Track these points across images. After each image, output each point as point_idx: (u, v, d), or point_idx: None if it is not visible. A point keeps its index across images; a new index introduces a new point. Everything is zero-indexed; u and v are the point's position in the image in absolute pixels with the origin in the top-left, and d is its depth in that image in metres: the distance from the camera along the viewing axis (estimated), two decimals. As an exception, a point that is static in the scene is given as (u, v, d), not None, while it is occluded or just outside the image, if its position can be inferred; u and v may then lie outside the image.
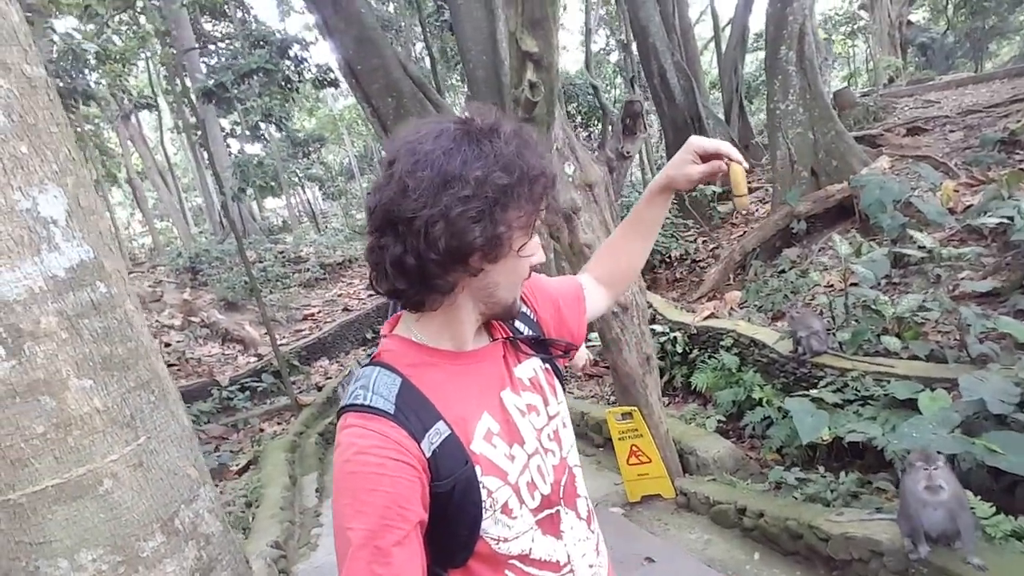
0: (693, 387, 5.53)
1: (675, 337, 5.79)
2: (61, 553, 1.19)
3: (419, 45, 18.93)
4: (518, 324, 1.16)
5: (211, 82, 9.13)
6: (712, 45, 14.45)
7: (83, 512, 1.19)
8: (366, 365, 1.02)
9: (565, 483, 1.12)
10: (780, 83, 6.94)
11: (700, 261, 7.92)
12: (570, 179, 3.75)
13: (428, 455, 0.92)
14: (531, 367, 1.14)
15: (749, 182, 9.66)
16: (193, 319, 12.77)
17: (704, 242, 8.26)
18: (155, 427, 1.30)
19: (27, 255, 1.15)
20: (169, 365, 10.95)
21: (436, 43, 15.65)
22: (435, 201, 0.88)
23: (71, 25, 11.58)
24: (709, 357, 5.52)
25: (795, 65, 6.82)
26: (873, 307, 4.45)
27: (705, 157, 1.20)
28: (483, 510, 0.98)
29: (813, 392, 4.06)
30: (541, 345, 1.16)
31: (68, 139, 1.39)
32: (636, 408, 4.08)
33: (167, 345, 11.63)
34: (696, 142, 1.21)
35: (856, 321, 4.63)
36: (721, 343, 5.41)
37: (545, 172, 0.96)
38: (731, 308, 6.34)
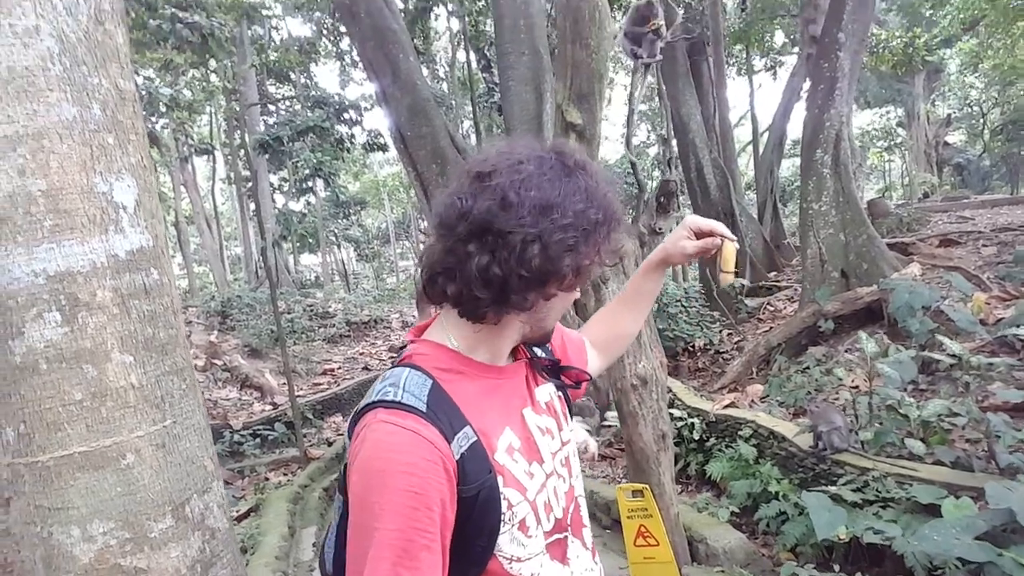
0: (708, 476, 5.39)
1: (692, 423, 5.69)
2: (75, 521, 1.22)
3: (467, 123, 19.79)
4: (536, 351, 1.19)
5: (269, 135, 9.64)
6: (751, 148, 14.84)
7: (102, 483, 1.23)
8: (394, 366, 1.03)
9: (573, 511, 1.13)
10: (814, 184, 7.08)
11: (724, 352, 7.85)
12: (601, 249, 3.84)
13: (457, 457, 0.91)
14: (547, 391, 1.17)
15: (778, 280, 9.69)
16: (216, 361, 12.91)
17: (729, 334, 8.21)
18: (182, 413, 1.35)
19: (96, 233, 1.24)
20: (186, 403, 11.06)
21: (485, 121, 16.35)
22: (536, 222, 0.91)
23: (149, 73, 12.40)
24: (726, 446, 5.40)
25: (830, 168, 6.96)
26: (898, 409, 4.36)
27: (700, 234, 1.27)
28: (502, 523, 0.97)
29: (832, 489, 3.94)
30: (554, 372, 1.20)
31: (143, 147, 1.52)
32: (647, 487, 3.99)
33: (187, 383, 11.73)
34: (692, 220, 1.29)
35: (880, 422, 4.53)
36: (739, 433, 5.31)
37: (620, 214, 1.02)
38: (752, 401, 6.24)
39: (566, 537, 1.10)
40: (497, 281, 0.93)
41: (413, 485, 0.86)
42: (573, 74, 3.40)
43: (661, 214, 3.69)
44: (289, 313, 14.62)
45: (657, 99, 13.08)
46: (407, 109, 7.89)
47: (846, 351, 6.42)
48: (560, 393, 1.20)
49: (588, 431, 6.71)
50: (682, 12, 11.11)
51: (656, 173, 16.39)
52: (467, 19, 12.08)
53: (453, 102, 17.00)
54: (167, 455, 1.29)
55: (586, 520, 1.17)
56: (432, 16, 13.61)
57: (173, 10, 7.52)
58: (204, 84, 18.72)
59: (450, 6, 13.13)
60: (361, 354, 14.45)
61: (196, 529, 1.33)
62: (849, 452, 4.27)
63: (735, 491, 4.94)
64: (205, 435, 1.42)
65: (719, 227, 1.26)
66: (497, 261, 0.92)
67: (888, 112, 20.13)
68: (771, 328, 7.75)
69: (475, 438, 0.94)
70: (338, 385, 12.15)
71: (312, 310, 15.84)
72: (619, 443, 6.14)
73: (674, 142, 11.60)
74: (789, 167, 18.24)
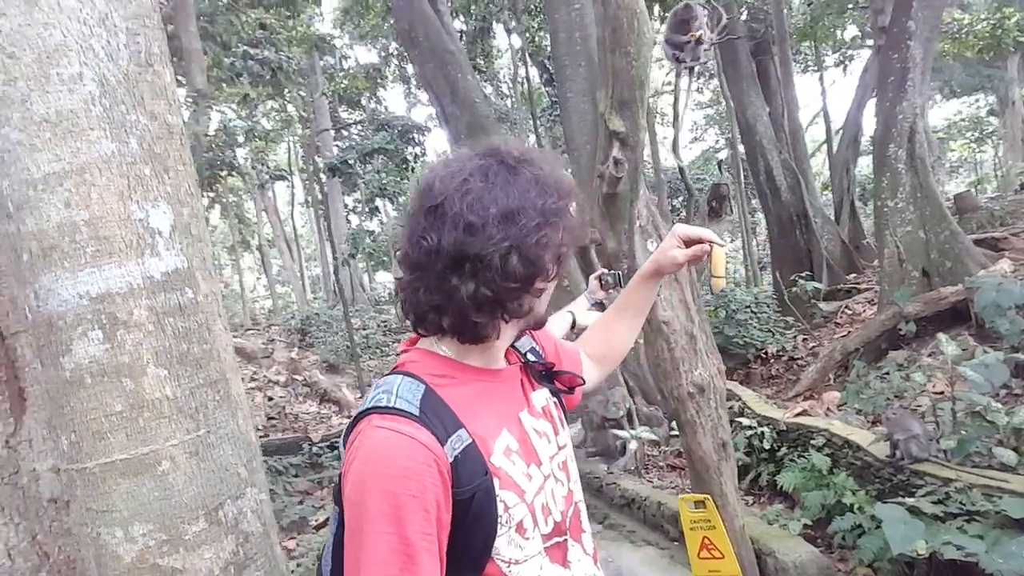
0: (779, 487, 5.18)
1: (763, 432, 5.49)
2: (118, 523, 1.32)
3: (532, 137, 20.00)
4: (530, 356, 1.21)
5: (336, 159, 10.07)
6: (825, 148, 14.27)
7: (141, 488, 1.32)
8: (387, 375, 1.04)
9: (572, 515, 1.13)
10: (888, 181, 6.73)
11: (798, 359, 7.55)
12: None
13: (451, 460, 0.92)
14: (543, 396, 1.18)
15: (857, 282, 9.24)
16: (296, 377, 13.48)
17: (804, 340, 7.89)
18: (215, 423, 1.44)
19: (133, 256, 1.35)
20: (269, 418, 11.57)
21: (548, 135, 16.45)
22: (506, 235, 0.93)
23: (227, 107, 13.17)
24: (798, 456, 5.18)
25: (905, 163, 6.61)
26: (985, 415, 4.07)
27: (689, 242, 1.27)
28: (498, 525, 0.97)
29: (910, 501, 3.72)
30: (548, 377, 1.20)
31: (190, 177, 1.63)
32: (709, 497, 3.89)
33: (270, 399, 12.28)
34: (680, 229, 1.30)
35: (964, 430, 4.24)
36: (812, 442, 5.08)
37: (573, 186, 1.03)
38: (828, 409, 5.97)
39: (566, 540, 1.10)
40: (488, 302, 0.95)
41: (409, 488, 0.87)
42: (614, 82, 3.40)
43: (713, 219, 3.62)
44: (364, 329, 15.09)
45: (723, 103, 12.79)
46: (466, 126, 8.06)
47: (929, 355, 6.05)
48: (555, 399, 1.20)
49: (656, 440, 6.58)
50: (744, 12, 10.88)
51: (727, 176, 16.03)
52: (525, 35, 12.23)
53: (517, 117, 17.17)
54: (200, 462, 1.38)
55: (586, 526, 1.17)
56: (492, 35, 13.84)
57: (245, 48, 7.99)
58: (281, 114, 19.68)
59: (512, 24, 13.35)
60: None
61: (229, 533, 1.41)
62: (929, 462, 4.01)
63: (808, 503, 4.73)
64: (240, 445, 1.51)
65: (707, 234, 1.26)
66: (483, 284, 0.94)
67: (977, 100, 18.92)
68: (848, 333, 7.40)
69: (470, 441, 0.95)
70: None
71: (386, 326, 16.30)
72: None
73: (740, 145, 11.33)
74: (867, 165, 17.42)
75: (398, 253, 1.04)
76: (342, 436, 1.02)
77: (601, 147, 3.63)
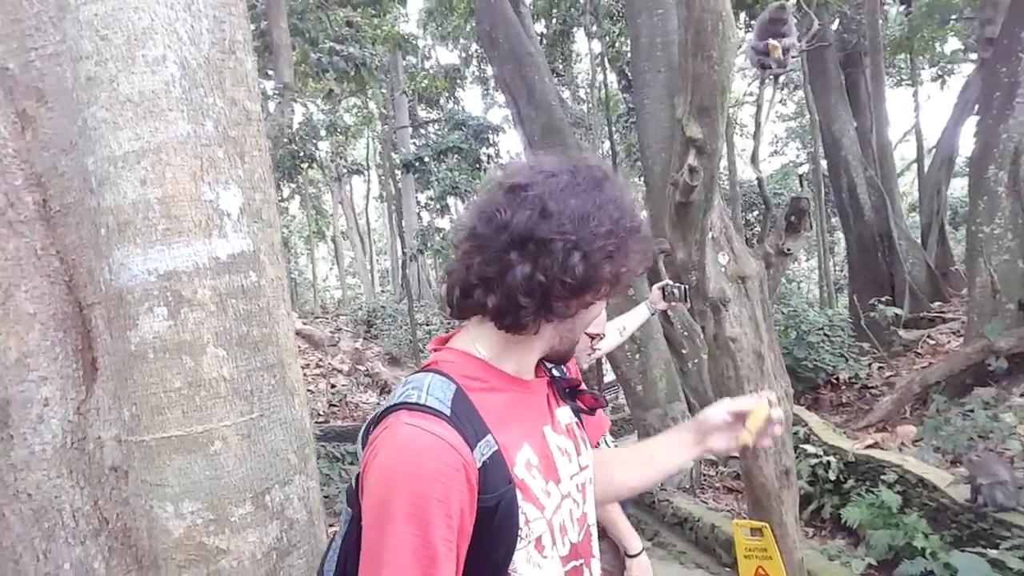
0: (843, 521, 4.92)
1: (828, 462, 5.23)
2: (170, 498, 1.34)
3: (606, 143, 19.82)
4: (555, 373, 1.18)
5: (411, 156, 10.24)
6: (916, 167, 13.53)
7: (193, 466, 1.34)
8: (416, 372, 1.03)
9: (584, 538, 1.09)
10: (986, 204, 6.30)
11: (872, 388, 7.16)
12: (723, 269, 3.65)
13: (479, 465, 0.90)
14: (567, 414, 1.15)
15: (942, 311, 8.72)
16: (360, 367, 13.79)
17: (879, 368, 7.48)
18: (269, 407, 1.45)
19: (200, 236, 1.37)
20: (331, 405, 11.88)
21: (624, 141, 16.25)
22: (576, 230, 0.92)
23: (313, 99, 13.62)
24: (866, 490, 4.90)
25: (1006, 186, 6.16)
26: (1082, 466, 3.74)
27: (738, 416, 1.18)
28: (519, 538, 0.94)
29: (992, 553, 3.46)
30: (571, 396, 1.18)
31: (265, 164, 1.66)
32: (767, 525, 3.71)
33: (333, 386, 12.61)
34: (729, 405, 1.20)
35: (1058, 480, 3.91)
36: (882, 477, 4.80)
37: (645, 224, 1.03)
38: (902, 443, 5.63)
39: (582, 565, 1.06)
40: (540, 289, 0.92)
41: (436, 491, 0.85)
42: (694, 87, 3.29)
43: (791, 234, 3.45)
44: (427, 325, 15.30)
45: (807, 115, 12.31)
46: (541, 129, 8.03)
47: (1021, 395, 5.62)
48: (577, 419, 1.17)
49: (713, 460, 6.37)
50: (836, 22, 10.45)
51: (808, 190, 15.43)
52: (605, 40, 12.11)
53: (592, 123, 17.05)
54: (251, 445, 1.39)
55: (595, 551, 1.13)
56: (572, 39, 13.79)
57: (331, 44, 8.22)
58: (362, 111, 20.22)
59: (593, 28, 13.25)
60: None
61: (275, 518, 1.41)
62: (1017, 511, 3.72)
63: (874, 541, 4.47)
64: (293, 430, 1.51)
65: (753, 403, 1.18)
66: (540, 269, 0.92)
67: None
68: (930, 364, 6.98)
69: (496, 447, 0.93)
70: (467, 396, 12.49)
71: (450, 323, 16.50)
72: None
73: (823, 160, 10.87)
74: (960, 187, 16.42)
75: (459, 233, 1.02)
76: (361, 432, 1.00)
77: (677, 154, 3.53)
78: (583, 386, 1.22)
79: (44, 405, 1.57)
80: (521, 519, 0.94)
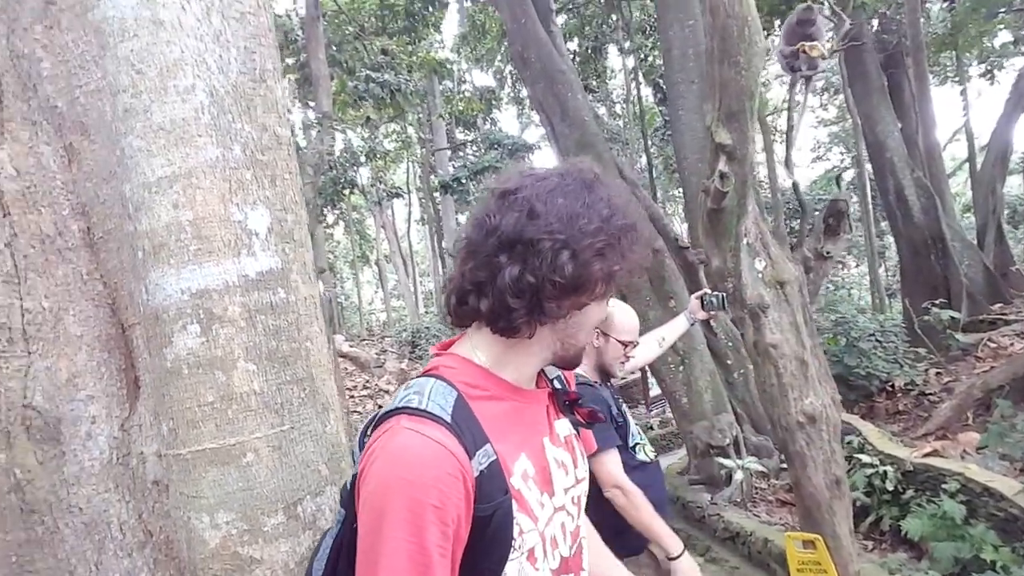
0: (904, 533, 4.72)
1: (885, 472, 5.02)
2: (205, 509, 1.39)
3: (643, 158, 19.76)
4: (556, 384, 1.17)
5: (449, 177, 10.38)
6: (967, 166, 13.06)
7: (227, 478, 1.38)
8: (417, 377, 1.03)
9: (575, 552, 1.09)
10: (1044, 200, 6.04)
11: (930, 394, 6.87)
12: (760, 275, 3.59)
13: (476, 474, 0.90)
14: (565, 426, 1.14)
15: (1004, 312, 8.35)
16: (404, 388, 13.92)
17: (937, 374, 7.18)
18: (299, 420, 1.49)
19: (230, 255, 1.43)
20: (378, 425, 12.02)
21: (661, 155, 16.17)
22: (564, 229, 0.93)
23: (352, 126, 13.97)
24: (927, 501, 4.69)
25: (1063, 180, 5.90)
26: None
27: None
28: (512, 549, 0.94)
29: (1065, 564, 3.27)
30: (570, 408, 1.16)
31: (295, 186, 1.72)
32: (820, 538, 3.59)
33: (380, 407, 12.75)
34: None
35: None
36: (943, 486, 4.59)
37: (642, 225, 1.03)
38: (964, 451, 5.38)
39: None
40: (530, 289, 0.92)
41: (433, 498, 0.85)
42: (722, 94, 3.27)
43: (829, 237, 3.37)
44: (470, 344, 15.33)
45: (849, 119, 12.03)
46: (575, 144, 8.05)
47: (1092, 398, 5.33)
48: (575, 432, 1.16)
49: (765, 472, 6.20)
50: (875, 23, 10.23)
51: (853, 198, 15.04)
52: (638, 54, 12.11)
53: (628, 137, 17.02)
54: (283, 457, 1.42)
55: (585, 565, 1.12)
56: (604, 55, 13.83)
57: (368, 72, 8.45)
58: (401, 136, 20.63)
59: (626, 44, 13.28)
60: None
61: (307, 528, 1.44)
62: (1090, 520, 3.52)
63: (938, 554, 4.27)
64: (324, 443, 1.55)
65: None
66: (529, 269, 0.92)
67: None
68: (992, 368, 6.67)
69: (495, 457, 0.93)
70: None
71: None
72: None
73: (868, 164, 10.59)
74: (1017, 184, 15.75)
75: (457, 243, 1.04)
76: (359, 433, 1.02)
77: (707, 161, 3.51)
78: (581, 399, 1.20)
79: (92, 423, 1.64)
80: (515, 530, 0.94)
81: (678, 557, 2.32)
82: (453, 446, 0.89)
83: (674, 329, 3.18)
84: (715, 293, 3.10)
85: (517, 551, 0.95)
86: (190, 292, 1.39)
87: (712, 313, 3.12)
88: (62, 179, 1.67)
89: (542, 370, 1.13)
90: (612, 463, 2.34)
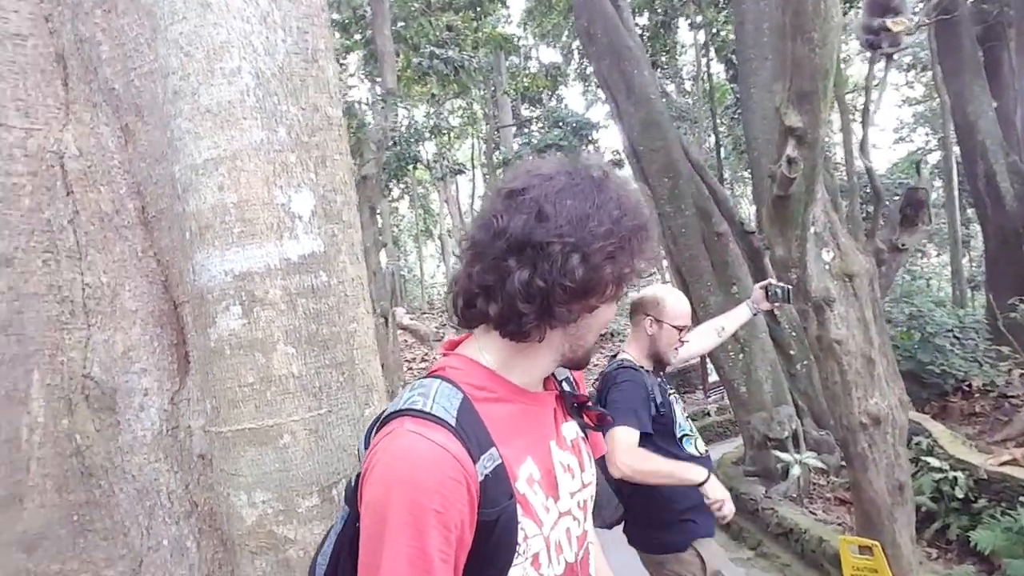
0: (973, 545, 4.47)
1: (955, 478, 4.76)
2: (243, 488, 1.42)
3: (711, 137, 19.14)
4: (564, 386, 1.15)
5: (512, 154, 10.34)
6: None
7: (264, 458, 1.40)
8: (423, 378, 1.02)
9: (582, 558, 1.06)
10: None
11: (1012, 397, 6.45)
12: (827, 267, 3.42)
13: (480, 479, 0.89)
14: (573, 429, 1.12)
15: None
16: (462, 364, 14.11)
17: (1021, 375, 6.73)
18: (337, 404, 1.49)
19: (272, 238, 1.43)
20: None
21: (731, 135, 15.62)
22: (574, 231, 0.91)
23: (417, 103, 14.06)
24: (1002, 513, 4.43)
25: None
26: None
27: None
28: (516, 555, 0.93)
29: None
30: (578, 411, 1.14)
31: (345, 167, 1.72)
32: (878, 544, 3.44)
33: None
34: None
35: None
36: (1021, 498, 4.33)
37: (652, 222, 1.00)
38: (1047, 460, 5.03)
39: None
40: (540, 294, 0.91)
41: (435, 502, 0.84)
42: (794, 72, 3.10)
43: (906, 228, 3.15)
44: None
45: (937, 98, 11.27)
46: (640, 123, 7.86)
47: None
48: (583, 435, 1.14)
49: (824, 469, 5.99)
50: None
51: (937, 183, 14.14)
52: (710, 29, 11.67)
53: (696, 115, 16.51)
54: (319, 440, 1.43)
55: (592, 571, 1.10)
56: (674, 30, 13.39)
57: (432, 48, 8.45)
58: (467, 112, 20.66)
59: (697, 19, 12.80)
60: (594, 365, 14.66)
61: (341, 511, 1.46)
62: None
63: (1013, 571, 4.03)
64: (360, 426, 1.55)
65: None
66: (539, 274, 0.90)
67: None
68: (1084, 371, 6.21)
69: (499, 461, 0.91)
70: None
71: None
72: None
73: (956, 147, 9.93)
74: None
75: (463, 242, 1.02)
76: (364, 432, 1.02)
77: (776, 144, 3.34)
78: (591, 402, 1.18)
79: (144, 395, 1.70)
80: (520, 535, 0.93)
81: (706, 481, 2.31)
82: (456, 450, 0.88)
83: (735, 319, 3.06)
84: (780, 284, 2.97)
85: (521, 556, 0.94)
86: (233, 274, 1.40)
87: (776, 305, 3.00)
88: (119, 159, 1.72)
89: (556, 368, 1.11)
90: (612, 441, 2.26)
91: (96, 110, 1.73)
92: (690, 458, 2.58)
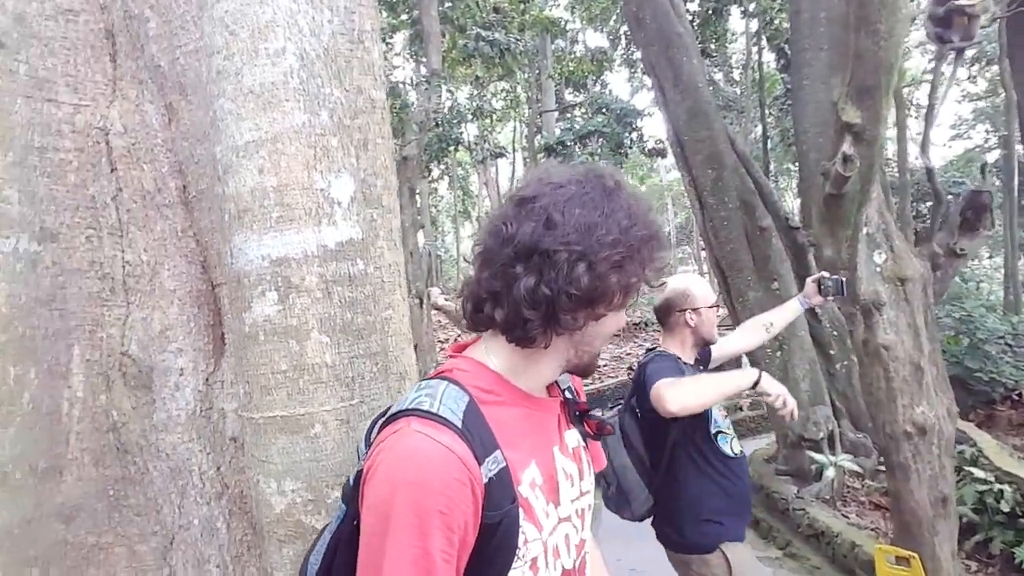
0: (1018, 562, 4.31)
1: (1001, 491, 4.59)
2: (274, 475, 1.41)
3: (759, 128, 18.64)
4: (567, 394, 1.16)
5: (554, 140, 10.24)
6: None
7: (295, 446, 1.39)
8: (429, 378, 1.02)
9: (580, 565, 1.07)
10: None
11: (1066, 407, 6.19)
12: (878, 270, 3.28)
13: (485, 481, 0.89)
14: (575, 437, 1.12)
15: None
16: (494, 348, 14.16)
17: (1077, 387, 6.45)
18: (369, 394, 1.47)
19: (310, 224, 1.41)
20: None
21: (779, 127, 15.20)
22: (581, 240, 0.91)
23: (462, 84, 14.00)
24: (1050, 530, 4.26)
25: None
26: None
27: None
28: (515, 558, 0.93)
29: None
30: (579, 419, 1.14)
31: (387, 151, 1.68)
32: (916, 556, 3.33)
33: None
34: None
35: None
36: (1071, 516, 4.15)
37: (662, 232, 1.01)
38: (1101, 478, 4.81)
39: None
40: (545, 301, 0.91)
41: (439, 503, 0.84)
42: (856, 66, 2.97)
43: (966, 232, 3.00)
44: (562, 309, 15.32)
45: (1002, 93, 10.76)
46: (686, 112, 7.68)
47: None
48: (584, 443, 1.14)
49: (860, 472, 5.83)
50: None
51: (991, 182, 13.56)
52: (763, 16, 11.31)
53: (744, 106, 16.10)
54: (350, 430, 1.41)
55: None
56: (726, 16, 13.02)
57: (478, 30, 8.37)
58: (510, 95, 20.51)
59: (750, 6, 12.42)
60: (627, 354, 14.56)
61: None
62: None
63: (1057, 590, 3.88)
64: (392, 418, 1.54)
65: None
66: (545, 281, 0.91)
67: None
68: None
69: (504, 464, 0.92)
70: (601, 381, 12.48)
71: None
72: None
73: (1019, 145, 9.48)
74: None
75: (474, 247, 1.03)
76: (366, 430, 1.02)
77: (830, 140, 3.21)
78: (592, 411, 1.19)
79: (180, 374, 1.71)
80: (520, 538, 0.94)
81: (759, 381, 2.24)
82: (462, 451, 0.88)
83: (784, 314, 2.97)
84: (833, 276, 2.85)
85: (521, 560, 0.95)
86: (270, 259, 1.39)
87: (830, 299, 2.88)
88: (162, 137, 1.72)
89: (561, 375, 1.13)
90: (656, 393, 2.21)
91: (142, 87, 1.73)
92: (724, 458, 2.53)
